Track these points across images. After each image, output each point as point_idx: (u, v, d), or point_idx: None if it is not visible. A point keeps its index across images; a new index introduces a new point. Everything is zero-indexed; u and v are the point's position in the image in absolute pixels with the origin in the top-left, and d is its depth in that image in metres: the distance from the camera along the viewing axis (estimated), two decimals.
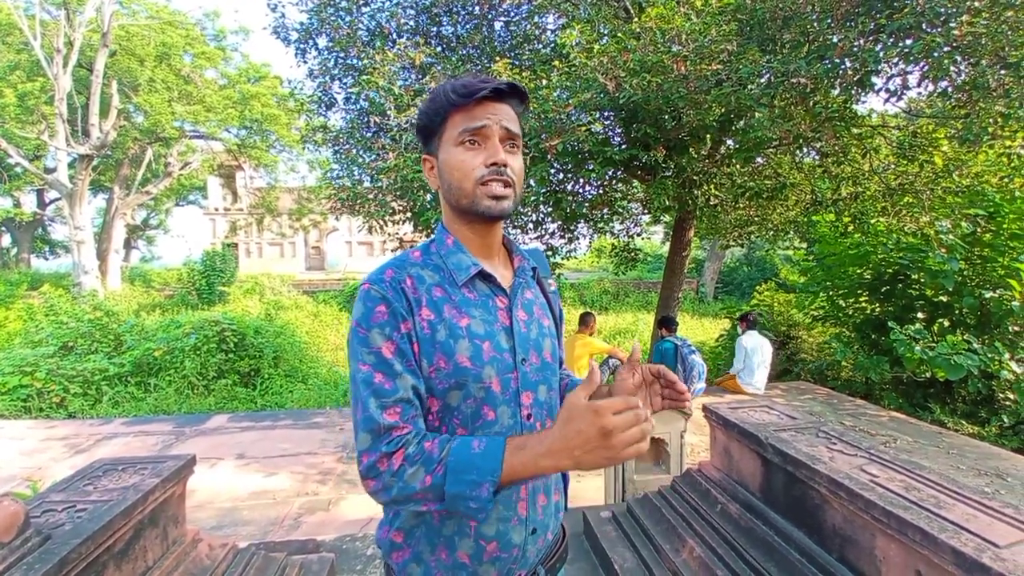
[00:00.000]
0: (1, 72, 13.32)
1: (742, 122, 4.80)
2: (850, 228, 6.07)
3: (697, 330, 11.22)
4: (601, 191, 6.02)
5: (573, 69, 4.15)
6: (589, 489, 3.31)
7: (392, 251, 6.52)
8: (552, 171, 5.06)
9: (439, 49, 5.65)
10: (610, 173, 5.76)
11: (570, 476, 1.05)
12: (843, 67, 3.82)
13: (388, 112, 4.84)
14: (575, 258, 6.96)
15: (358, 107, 5.89)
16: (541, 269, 1.01)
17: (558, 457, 0.67)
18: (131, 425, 5.00)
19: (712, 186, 5.68)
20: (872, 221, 5.94)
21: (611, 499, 2.75)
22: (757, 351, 5.48)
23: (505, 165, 0.81)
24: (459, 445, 0.73)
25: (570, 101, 4.07)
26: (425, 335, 0.79)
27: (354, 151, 5.68)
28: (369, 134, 5.56)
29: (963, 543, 1.18)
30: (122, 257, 18.14)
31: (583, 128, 4.23)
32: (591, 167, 5.01)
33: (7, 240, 25.89)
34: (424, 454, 0.73)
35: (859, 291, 6.23)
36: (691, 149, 5.22)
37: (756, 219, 6.92)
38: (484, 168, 0.81)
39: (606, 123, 5.00)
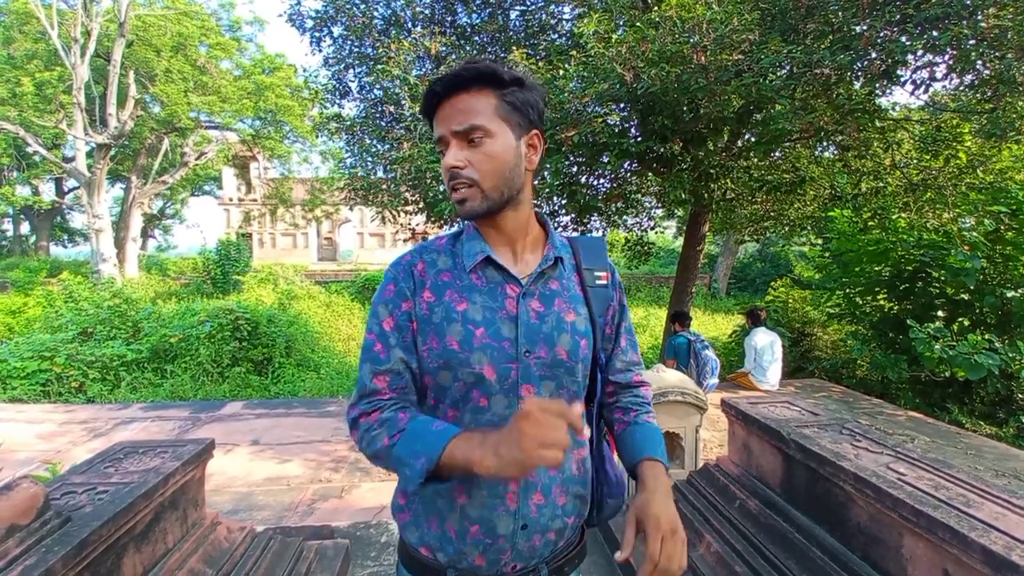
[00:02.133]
0: (19, 61, 13.47)
1: (762, 114, 4.72)
2: (870, 224, 5.96)
3: (709, 326, 11.13)
4: (616, 184, 5.96)
5: (590, 59, 4.10)
6: None
7: (404, 242, 6.52)
8: (567, 163, 5.02)
9: (454, 38, 5.61)
10: (625, 165, 5.70)
11: (624, 485, 1.01)
12: (868, 58, 3.73)
13: (403, 102, 4.82)
14: None
15: (372, 96, 5.88)
16: (587, 260, 0.94)
17: (484, 449, 0.69)
18: (148, 410, 5.09)
19: (729, 180, 5.61)
20: (893, 217, 5.83)
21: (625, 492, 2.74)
22: (767, 350, 5.41)
23: (456, 168, 0.80)
24: (423, 419, 0.80)
25: (587, 92, 4.02)
26: (423, 315, 0.85)
27: (368, 140, 5.68)
28: (383, 124, 5.55)
29: (992, 541, 1.16)
30: (139, 245, 18.37)
31: (599, 119, 4.18)
32: (606, 159, 4.96)
33: (26, 228, 26.39)
34: (392, 420, 0.81)
35: (877, 288, 6.12)
36: (708, 142, 5.15)
37: (772, 214, 6.82)
38: (447, 173, 0.82)
39: (622, 115, 4.94)
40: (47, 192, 21.77)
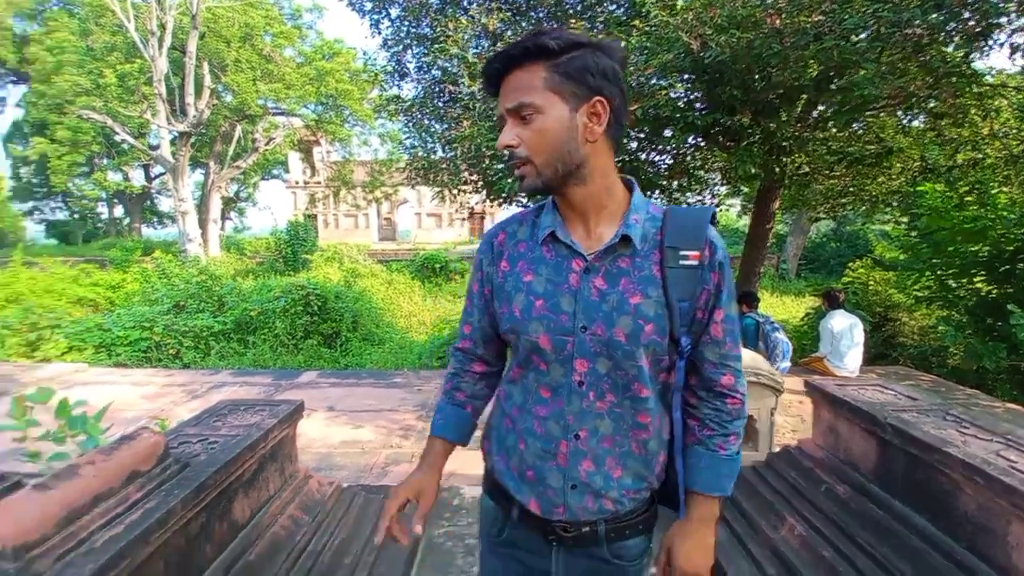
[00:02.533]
0: (98, 53, 14.49)
1: (842, 80, 4.36)
2: (967, 199, 5.43)
3: (778, 308, 10.60)
4: (678, 159, 5.74)
5: (653, 29, 3.92)
6: None
7: (462, 221, 6.62)
8: (627, 139, 4.88)
9: (510, 14, 5.52)
10: (689, 140, 5.47)
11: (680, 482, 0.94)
12: (961, 18, 3.36)
13: (461, 81, 4.83)
14: None
15: (431, 77, 5.92)
16: (673, 237, 0.86)
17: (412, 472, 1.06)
18: (236, 376, 5.53)
19: (803, 153, 5.25)
20: (993, 191, 5.28)
21: None
22: (846, 333, 5.07)
23: (510, 146, 0.83)
24: (440, 407, 1.06)
25: (649, 63, 3.85)
26: (499, 283, 0.94)
27: (426, 121, 5.75)
28: (442, 104, 5.60)
29: None
30: (219, 227, 19.76)
31: (662, 92, 4.01)
32: (670, 134, 4.77)
33: (120, 211, 28.99)
34: (447, 383, 1.08)
35: (973, 270, 5.58)
36: (781, 112, 4.83)
37: (851, 189, 6.35)
38: (503, 151, 0.86)
39: (687, 86, 4.71)
40: (137, 178, 23.73)
